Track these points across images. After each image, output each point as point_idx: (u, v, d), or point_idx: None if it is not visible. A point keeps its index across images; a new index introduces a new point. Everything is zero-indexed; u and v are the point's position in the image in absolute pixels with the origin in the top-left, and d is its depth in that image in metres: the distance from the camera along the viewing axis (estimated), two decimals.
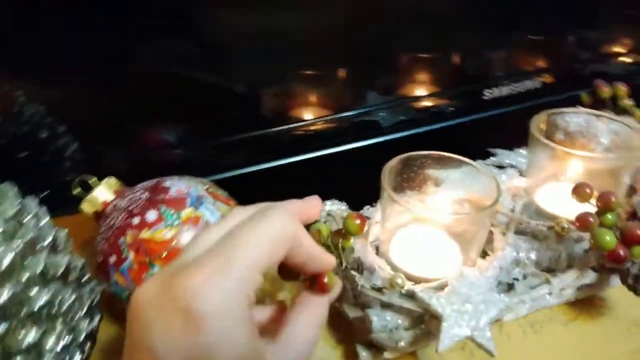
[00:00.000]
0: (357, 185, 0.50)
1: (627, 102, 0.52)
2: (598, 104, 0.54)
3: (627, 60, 0.61)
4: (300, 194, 0.40)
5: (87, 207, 0.38)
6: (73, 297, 0.32)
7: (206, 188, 0.40)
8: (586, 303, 0.42)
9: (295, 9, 0.45)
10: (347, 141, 0.51)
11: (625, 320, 0.40)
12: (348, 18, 0.48)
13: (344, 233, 0.33)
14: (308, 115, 0.51)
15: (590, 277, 0.39)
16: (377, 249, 0.40)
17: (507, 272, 0.38)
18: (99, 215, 0.39)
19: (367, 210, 0.42)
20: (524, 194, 0.46)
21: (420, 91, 0.54)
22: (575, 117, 0.47)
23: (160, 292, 0.21)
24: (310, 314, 0.26)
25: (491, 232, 0.41)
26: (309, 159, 0.49)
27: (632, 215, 0.38)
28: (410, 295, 0.35)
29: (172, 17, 0.41)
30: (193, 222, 0.37)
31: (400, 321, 0.35)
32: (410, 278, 0.36)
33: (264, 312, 0.28)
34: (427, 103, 0.54)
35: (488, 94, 0.52)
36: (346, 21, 0.48)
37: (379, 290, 0.36)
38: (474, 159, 0.52)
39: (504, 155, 0.50)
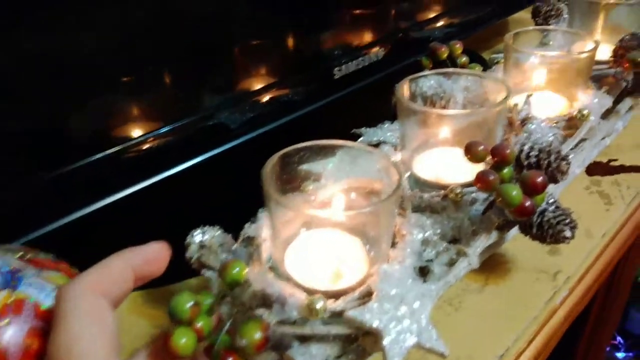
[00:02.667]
0: (224, 201, 0.42)
1: (464, 59, 0.53)
2: (438, 65, 0.54)
3: (451, 21, 0.63)
4: (153, 231, 0.31)
5: None
6: None
7: (20, 256, 0.28)
8: (489, 264, 0.40)
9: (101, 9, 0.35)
10: (197, 153, 0.42)
11: (531, 270, 0.39)
12: (166, 13, 0.39)
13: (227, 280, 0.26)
14: (139, 132, 0.41)
15: (493, 236, 0.37)
16: (273, 271, 0.32)
17: (420, 256, 0.34)
18: None
19: (248, 229, 0.34)
20: (403, 169, 0.42)
21: (266, 81, 0.48)
22: (427, 81, 0.45)
23: None
24: None
25: None
26: (158, 182, 0.39)
27: (517, 164, 0.37)
28: (336, 317, 0.28)
29: None
30: (14, 310, 0.25)
31: (328, 350, 0.29)
32: (325, 296, 0.30)
33: None
34: (277, 93, 0.48)
35: (337, 72, 0.48)
36: (164, 17, 0.39)
37: (296, 322, 0.28)
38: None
39: (370, 134, 0.46)
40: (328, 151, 0.34)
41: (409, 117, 0.40)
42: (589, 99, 0.47)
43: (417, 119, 0.40)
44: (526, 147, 0.37)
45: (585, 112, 0.45)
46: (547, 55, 0.49)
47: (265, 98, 0.47)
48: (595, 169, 0.50)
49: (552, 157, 0.36)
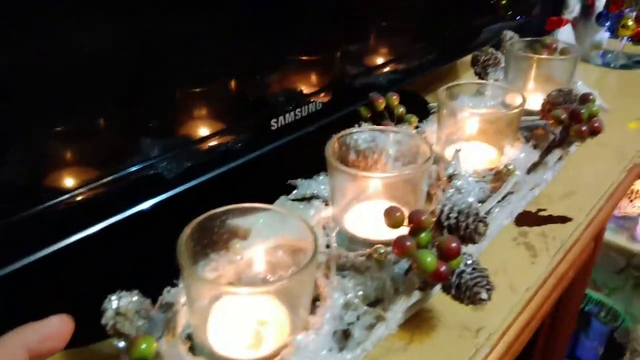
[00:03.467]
0: (149, 261, 0.42)
1: (401, 110, 0.55)
2: (376, 115, 0.55)
3: (394, 68, 0.64)
4: (66, 298, 0.30)
5: None
6: None
7: None
8: (416, 319, 0.41)
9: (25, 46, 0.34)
10: (124, 207, 0.41)
11: (455, 326, 0.40)
12: (99, 56, 0.39)
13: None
14: (68, 185, 0.40)
15: (416, 295, 0.38)
16: (191, 340, 0.32)
17: (341, 319, 0.35)
18: None
19: (167, 294, 0.34)
20: (333, 224, 0.43)
21: (203, 130, 0.48)
22: (362, 135, 0.46)
23: None
24: None
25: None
26: (78, 242, 0.38)
27: (438, 224, 0.38)
28: None
29: None
30: None
31: None
32: None
33: None
34: (214, 142, 0.48)
35: (275, 123, 0.48)
36: (97, 60, 0.39)
37: None
38: (277, 194, 0.48)
39: (305, 186, 0.47)
40: (249, 213, 0.34)
41: (336, 174, 0.41)
42: (516, 153, 0.49)
43: (345, 177, 0.41)
44: (446, 209, 0.38)
45: (510, 167, 0.47)
46: (475, 111, 0.51)
47: (201, 148, 0.47)
48: (524, 219, 0.51)
49: (470, 219, 0.37)
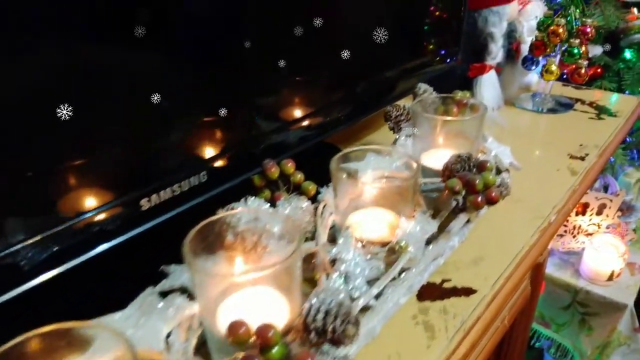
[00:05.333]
0: None
1: (298, 177, 0.51)
2: (271, 184, 0.52)
3: (300, 125, 0.61)
4: None
5: None
6: None
7: None
8: None
9: None
10: None
11: None
12: None
13: None
14: None
15: None
16: None
17: None
18: None
19: None
20: (197, 323, 0.38)
21: (67, 212, 0.43)
22: (244, 215, 0.42)
23: None
24: None
25: None
26: None
27: (304, 326, 0.34)
28: None
29: None
30: None
31: None
32: None
33: None
34: (81, 225, 0.44)
35: (146, 203, 0.44)
36: None
37: None
38: (145, 284, 0.43)
39: (176, 275, 0.42)
40: (72, 335, 0.30)
41: (195, 271, 0.37)
42: (411, 226, 0.46)
43: (205, 275, 0.37)
44: (313, 309, 0.34)
45: (403, 243, 0.44)
46: (364, 181, 0.48)
47: (67, 231, 0.43)
48: (427, 292, 0.48)
49: (338, 321, 0.33)
